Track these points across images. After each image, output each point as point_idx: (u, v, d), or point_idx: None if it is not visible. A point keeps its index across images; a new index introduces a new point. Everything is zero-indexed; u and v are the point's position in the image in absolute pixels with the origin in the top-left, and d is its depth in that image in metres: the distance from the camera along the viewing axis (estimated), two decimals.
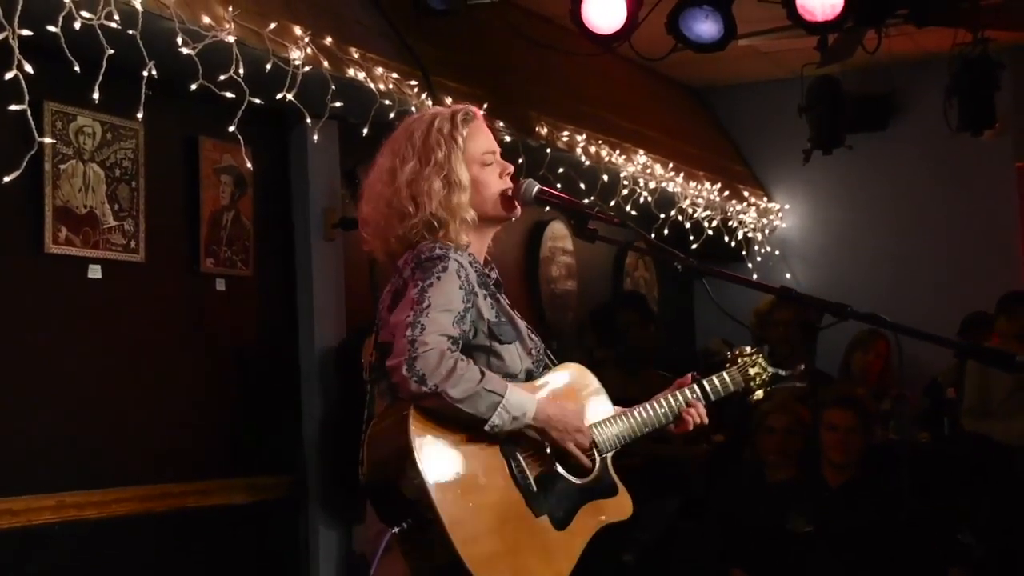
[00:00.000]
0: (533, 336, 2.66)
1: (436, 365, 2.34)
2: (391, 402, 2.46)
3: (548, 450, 2.53)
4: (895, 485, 4.67)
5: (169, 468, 4.47)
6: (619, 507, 2.63)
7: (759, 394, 3.00)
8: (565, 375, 2.68)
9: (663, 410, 2.76)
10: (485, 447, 2.43)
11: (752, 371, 2.96)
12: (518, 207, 2.66)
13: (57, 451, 4.08)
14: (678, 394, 2.80)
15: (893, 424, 6.17)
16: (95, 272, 4.22)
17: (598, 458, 2.62)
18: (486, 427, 2.39)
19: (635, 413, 2.72)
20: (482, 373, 2.40)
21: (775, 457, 5.00)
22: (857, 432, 4.75)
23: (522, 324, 2.64)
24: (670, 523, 5.81)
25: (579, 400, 2.66)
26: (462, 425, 2.40)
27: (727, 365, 2.94)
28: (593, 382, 2.73)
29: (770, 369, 2.98)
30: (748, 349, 3.00)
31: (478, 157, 2.61)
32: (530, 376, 2.60)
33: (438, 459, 2.37)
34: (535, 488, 2.47)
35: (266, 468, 4.89)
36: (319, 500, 5.00)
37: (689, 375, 2.86)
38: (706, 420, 2.80)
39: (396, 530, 2.36)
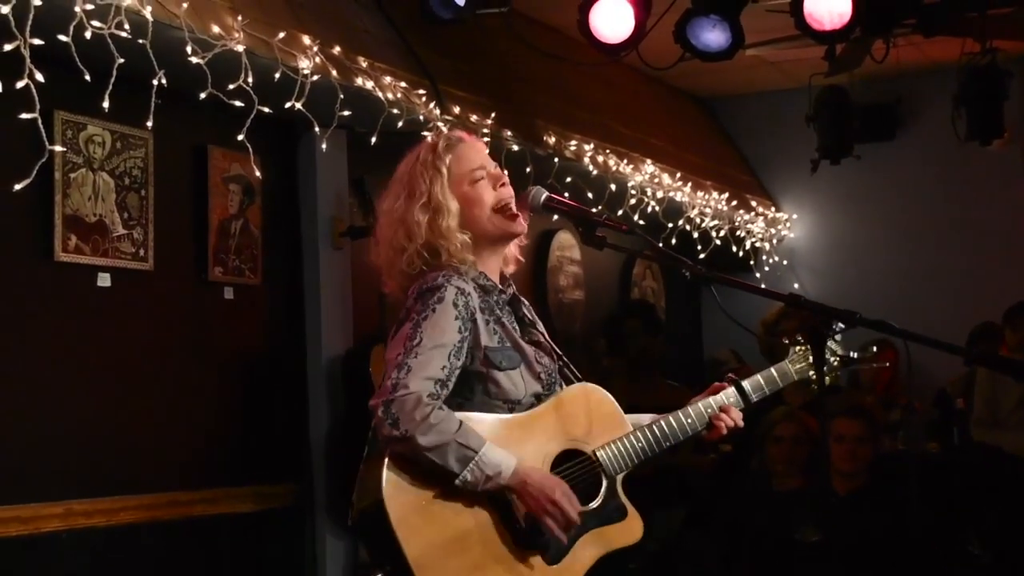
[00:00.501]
0: (542, 360, 2.62)
1: (411, 411, 2.35)
2: (378, 445, 2.45)
3: None
4: (904, 495, 4.65)
5: (176, 476, 4.48)
6: (627, 531, 2.59)
7: (826, 380, 2.85)
8: (575, 396, 2.63)
9: (689, 420, 2.69)
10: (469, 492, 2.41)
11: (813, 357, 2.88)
12: (521, 221, 2.63)
13: (65, 459, 4.09)
14: (710, 400, 2.75)
15: (902, 434, 6.16)
16: (104, 280, 4.23)
17: (605, 482, 2.58)
18: (456, 482, 2.37)
19: (653, 428, 2.66)
20: (459, 426, 2.37)
21: (782, 466, 4.99)
22: (865, 441, 4.74)
23: (530, 349, 2.60)
24: (676, 532, 5.80)
25: (589, 418, 2.62)
26: (439, 474, 2.39)
27: (787, 360, 2.84)
28: (605, 400, 2.67)
29: (839, 352, 2.87)
30: (799, 336, 2.89)
31: (466, 176, 2.61)
32: (539, 399, 2.58)
33: (411, 511, 2.35)
34: (524, 524, 2.44)
35: (273, 476, 4.89)
36: (326, 509, 5.00)
37: (727, 377, 2.80)
38: (740, 424, 2.73)
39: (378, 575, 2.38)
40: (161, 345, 4.47)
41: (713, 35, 5.01)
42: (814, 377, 2.88)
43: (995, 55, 6.30)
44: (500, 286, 2.64)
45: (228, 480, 4.69)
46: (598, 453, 2.59)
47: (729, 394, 2.77)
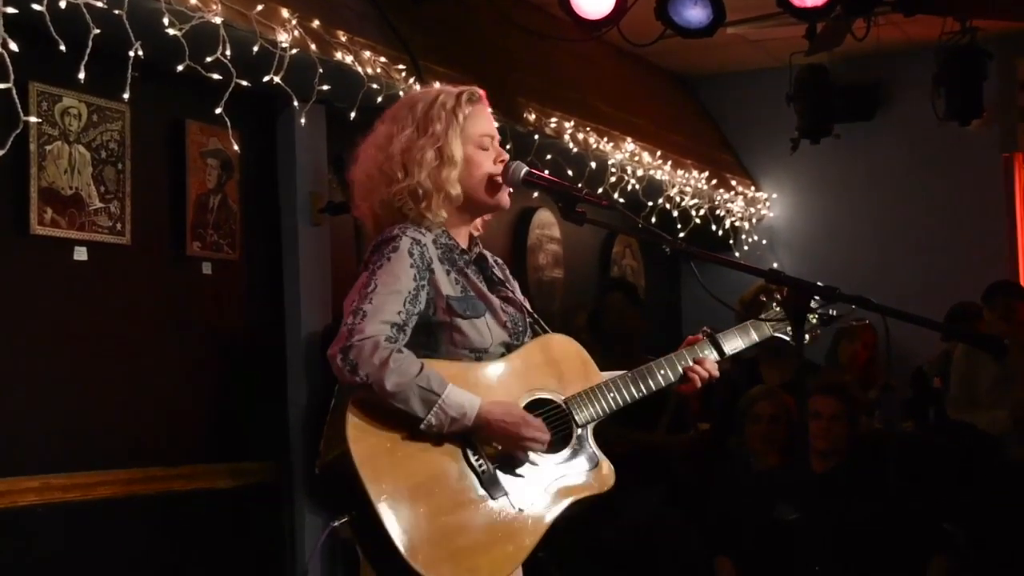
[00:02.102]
0: (508, 309, 2.61)
1: (369, 355, 2.33)
2: (345, 397, 2.43)
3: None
4: (881, 473, 4.67)
5: (154, 452, 4.46)
6: (598, 479, 2.58)
7: (805, 338, 2.87)
8: (545, 345, 2.63)
9: (663, 372, 2.69)
10: (435, 435, 2.40)
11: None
12: (505, 197, 2.63)
13: (42, 433, 4.07)
14: (684, 352, 2.74)
15: (879, 414, 6.19)
16: (81, 254, 4.20)
17: (576, 431, 2.58)
18: (421, 426, 2.36)
19: (626, 379, 2.66)
20: (420, 368, 2.36)
21: (761, 445, 5.01)
22: (842, 419, 4.74)
23: (496, 299, 2.59)
24: (654, 511, 5.81)
25: (559, 367, 2.61)
26: (403, 417, 2.37)
27: (762, 315, 2.84)
28: (579, 351, 2.68)
29: (819, 310, 2.84)
30: (782, 296, 2.90)
31: (476, 138, 2.61)
32: (509, 349, 2.58)
33: (376, 454, 2.34)
34: (492, 470, 2.43)
35: (251, 453, 4.87)
36: (304, 486, 4.99)
37: (700, 333, 2.79)
38: (716, 374, 2.72)
39: (341, 522, 2.37)
40: (138, 320, 4.45)
41: (694, 12, 5.01)
42: (790, 335, 2.88)
43: (975, 35, 6.32)
44: (463, 246, 2.62)
45: (206, 456, 4.68)
46: (569, 402, 2.59)
47: (703, 346, 2.77)
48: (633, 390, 2.66)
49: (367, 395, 2.36)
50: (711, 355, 2.76)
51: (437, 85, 2.67)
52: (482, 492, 2.42)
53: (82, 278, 4.23)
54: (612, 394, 2.63)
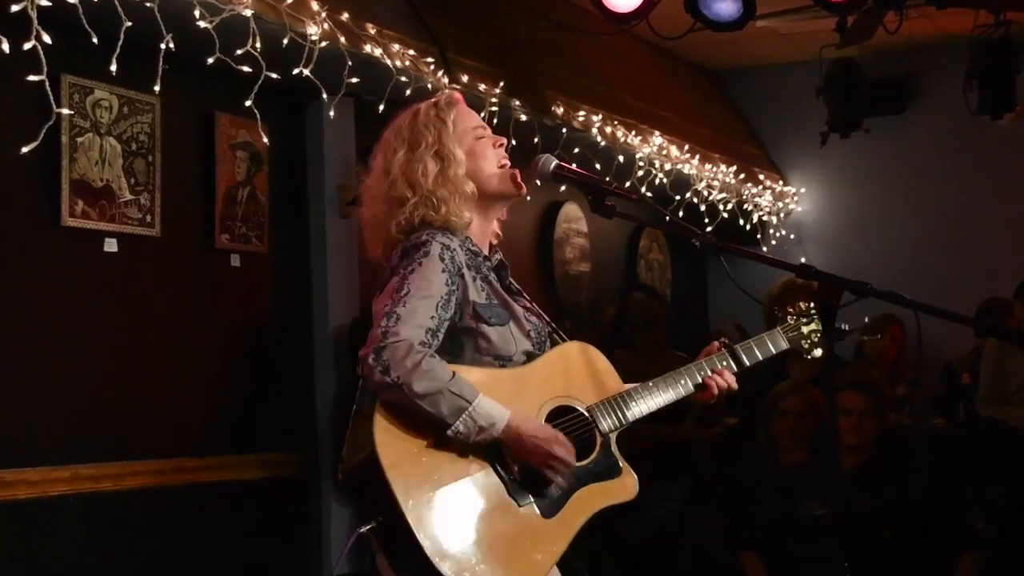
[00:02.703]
0: (531, 318, 2.62)
1: (403, 357, 2.32)
2: (368, 401, 2.43)
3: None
4: (910, 469, 4.65)
5: (183, 443, 4.48)
6: (621, 488, 2.57)
7: (817, 352, 2.87)
8: (566, 354, 2.63)
9: (682, 381, 2.71)
10: (461, 442, 2.39)
11: (807, 329, 2.90)
12: (518, 182, 2.62)
13: (73, 424, 4.10)
14: (703, 362, 2.75)
15: (907, 409, 6.15)
16: (111, 246, 4.22)
17: (599, 437, 2.57)
18: (448, 432, 2.34)
19: (648, 388, 2.67)
20: (452, 375, 2.35)
21: (788, 440, 4.98)
22: (870, 415, 4.72)
23: (519, 307, 2.60)
24: (680, 506, 5.80)
25: (581, 375, 2.61)
26: (430, 423, 2.36)
27: (777, 326, 2.86)
28: (599, 359, 2.68)
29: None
30: (802, 306, 2.92)
31: (470, 132, 2.62)
32: (530, 357, 2.57)
33: (404, 458, 2.33)
34: (519, 477, 2.43)
35: (279, 445, 4.90)
36: (331, 477, 5.00)
37: (716, 342, 2.80)
38: (735, 386, 2.74)
39: (367, 528, 2.34)
40: (168, 312, 4.47)
41: (725, 5, 4.99)
42: (806, 347, 2.90)
43: (1008, 27, 6.26)
44: (486, 252, 2.63)
45: (234, 447, 4.70)
46: (592, 410, 2.58)
47: (722, 357, 2.78)
48: (655, 400, 2.67)
49: (395, 398, 2.34)
50: (729, 366, 2.77)
51: (412, 105, 2.68)
52: (509, 499, 2.41)
53: (112, 270, 4.25)
54: (634, 403, 2.64)
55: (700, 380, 2.72)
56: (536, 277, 6.62)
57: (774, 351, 2.87)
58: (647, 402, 2.65)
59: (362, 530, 2.33)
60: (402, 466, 2.33)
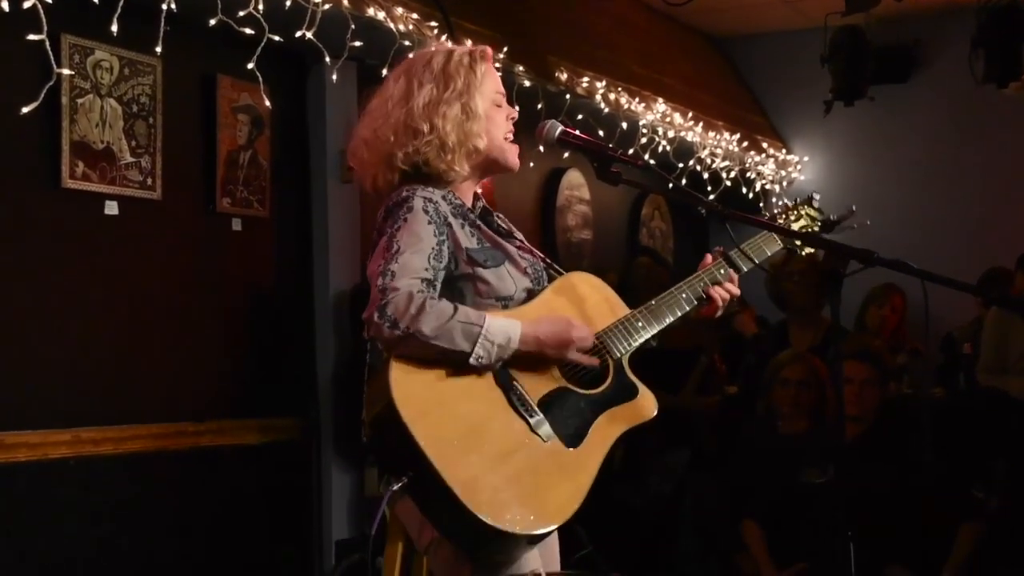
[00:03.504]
0: (525, 255, 2.62)
1: (406, 306, 2.32)
2: (380, 359, 2.42)
3: (552, 367, 2.48)
4: (911, 438, 4.64)
5: (183, 407, 4.48)
6: (641, 408, 2.57)
7: (810, 248, 2.86)
8: (567, 285, 2.63)
9: (684, 295, 2.70)
10: (477, 383, 2.39)
11: (798, 224, 2.89)
12: (516, 158, 2.64)
13: (73, 386, 4.09)
14: (702, 274, 2.74)
15: (907, 379, 6.15)
16: (112, 208, 4.21)
17: (611, 362, 2.57)
18: (471, 360, 2.34)
19: (652, 308, 2.66)
20: (455, 308, 2.36)
21: (789, 409, 4.98)
22: (872, 384, 4.71)
23: (511, 247, 2.60)
24: (680, 475, 5.81)
25: (585, 304, 2.61)
26: (448, 366, 2.36)
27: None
28: (602, 286, 2.68)
29: (821, 215, 2.86)
30: (791, 203, 2.92)
31: (490, 95, 2.62)
32: (531, 295, 2.57)
33: (424, 408, 2.32)
34: (538, 412, 2.43)
35: (279, 409, 4.89)
36: (332, 443, 5.01)
37: (709, 253, 2.78)
38: (737, 293, 2.74)
39: (398, 485, 2.32)
40: (169, 275, 4.46)
41: None
42: (799, 244, 2.88)
43: None
44: (468, 205, 2.63)
45: (235, 412, 4.70)
46: (602, 335, 2.58)
47: (719, 266, 2.77)
48: (662, 317, 2.66)
49: (409, 350, 2.34)
50: (728, 274, 2.76)
51: (445, 44, 2.65)
52: (532, 435, 2.41)
53: (113, 232, 4.23)
54: (641, 323, 2.63)
55: (701, 292, 2.71)
56: (538, 244, 6.54)
57: (769, 253, 2.85)
58: (654, 322, 2.65)
59: (395, 488, 2.31)
60: (425, 417, 2.31)
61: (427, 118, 2.53)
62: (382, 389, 2.33)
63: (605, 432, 2.50)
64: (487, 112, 2.58)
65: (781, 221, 2.90)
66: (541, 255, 2.70)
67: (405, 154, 2.54)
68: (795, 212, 2.92)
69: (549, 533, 2.41)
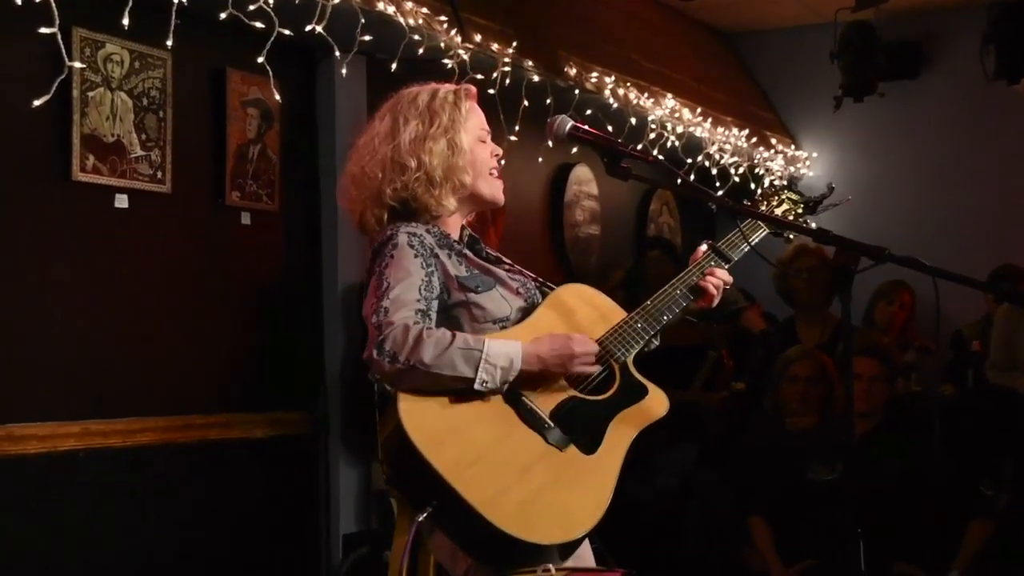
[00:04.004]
0: (515, 276, 2.66)
1: (403, 338, 2.34)
2: (388, 394, 2.44)
3: (559, 378, 2.50)
4: (918, 436, 4.64)
5: (192, 400, 4.49)
6: (652, 407, 2.60)
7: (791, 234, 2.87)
8: (558, 299, 2.65)
9: (677, 291, 2.71)
10: (487, 404, 2.41)
11: (781, 209, 2.90)
12: (500, 193, 2.69)
13: (82, 379, 4.10)
14: (692, 268, 2.76)
15: (916, 376, 6.14)
16: (121, 201, 4.21)
17: (616, 366, 2.59)
18: (476, 385, 2.36)
19: (646, 306, 2.68)
20: (453, 335, 2.38)
21: (797, 406, 4.98)
22: (881, 381, 4.72)
23: (500, 271, 2.63)
24: (687, 471, 5.81)
25: (578, 316, 2.62)
26: (453, 393, 2.37)
27: (745, 219, 2.86)
28: (594, 294, 2.70)
29: (802, 198, 2.89)
30: (767, 188, 2.94)
31: (475, 131, 2.66)
32: (526, 314, 2.59)
33: (439, 437, 2.33)
34: (552, 424, 2.44)
35: (287, 403, 4.90)
36: (340, 437, 5.02)
37: (699, 248, 2.80)
38: (729, 279, 2.76)
39: (424, 516, 2.33)
40: (178, 268, 4.46)
41: None
42: (785, 235, 2.89)
43: None
44: (455, 239, 2.66)
45: (243, 405, 4.70)
46: (602, 342, 2.59)
47: (708, 258, 2.78)
48: (660, 315, 2.67)
49: (414, 384, 2.36)
50: (719, 264, 2.78)
51: (428, 84, 2.70)
52: (549, 447, 2.42)
53: (123, 225, 4.24)
54: (640, 324, 2.64)
55: (695, 284, 2.73)
56: (546, 239, 6.60)
57: (754, 237, 2.85)
58: (653, 321, 2.66)
59: (420, 519, 2.32)
60: (438, 445, 2.33)
61: (414, 153, 2.57)
62: (394, 423, 2.35)
63: (620, 434, 2.52)
64: (472, 147, 2.63)
65: (763, 208, 2.91)
66: (532, 275, 2.73)
67: (393, 190, 2.58)
68: (776, 198, 2.93)
69: (580, 541, 2.43)
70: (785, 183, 2.91)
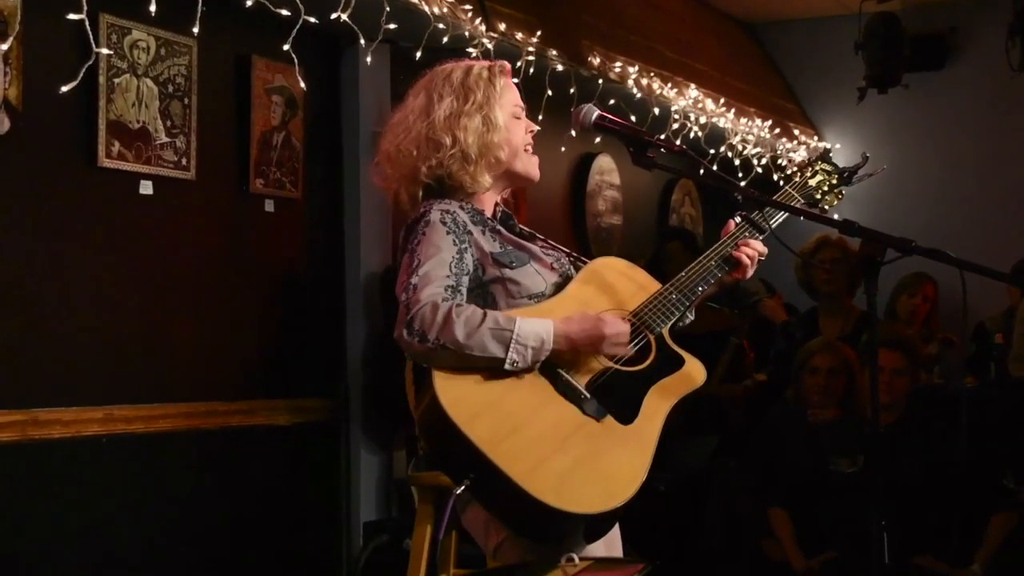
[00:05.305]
0: (549, 252, 2.64)
1: (431, 317, 2.33)
2: (423, 386, 2.44)
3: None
4: (941, 429, 4.62)
5: (214, 386, 4.51)
6: (690, 376, 2.57)
7: (834, 201, 2.83)
8: (593, 271, 2.63)
9: (712, 262, 2.68)
10: (522, 377, 2.40)
11: (815, 181, 2.87)
12: (536, 169, 2.67)
13: (106, 365, 4.12)
14: (726, 239, 2.73)
15: (938, 368, 6.11)
16: (146, 188, 4.23)
17: (652, 337, 2.57)
18: (506, 365, 2.35)
19: (680, 276, 2.66)
20: (484, 314, 2.37)
21: (818, 397, 4.97)
22: (903, 373, 4.70)
23: (534, 246, 2.62)
24: (707, 462, 5.80)
25: (615, 289, 2.61)
26: (487, 369, 2.37)
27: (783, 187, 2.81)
28: (628, 267, 2.68)
29: (836, 169, 2.85)
30: (797, 160, 2.91)
31: (510, 108, 2.63)
32: (560, 289, 2.58)
33: (475, 410, 2.33)
34: (588, 395, 2.43)
35: (309, 391, 4.92)
36: (361, 424, 5.03)
37: (731, 220, 2.76)
38: (764, 250, 2.72)
39: (461, 488, 2.32)
40: (202, 255, 4.48)
41: None
42: (819, 199, 2.86)
43: None
44: (489, 214, 2.64)
45: (265, 392, 4.72)
46: (638, 313, 2.58)
47: (742, 228, 2.75)
48: (695, 286, 2.65)
49: (444, 363, 2.35)
50: (753, 235, 2.74)
51: (464, 60, 2.68)
52: (586, 418, 2.41)
53: (147, 212, 4.26)
54: (676, 295, 2.62)
55: (730, 255, 2.70)
56: (568, 229, 6.59)
57: (786, 211, 2.81)
58: (688, 291, 2.64)
59: (458, 491, 2.32)
60: (475, 418, 2.32)
61: (448, 130, 2.55)
62: (429, 396, 2.34)
63: (658, 405, 2.50)
64: (507, 124, 2.60)
65: (797, 179, 2.89)
66: (566, 250, 2.71)
67: (429, 167, 2.56)
68: (810, 169, 2.91)
69: (615, 518, 2.42)
70: (821, 154, 2.87)
